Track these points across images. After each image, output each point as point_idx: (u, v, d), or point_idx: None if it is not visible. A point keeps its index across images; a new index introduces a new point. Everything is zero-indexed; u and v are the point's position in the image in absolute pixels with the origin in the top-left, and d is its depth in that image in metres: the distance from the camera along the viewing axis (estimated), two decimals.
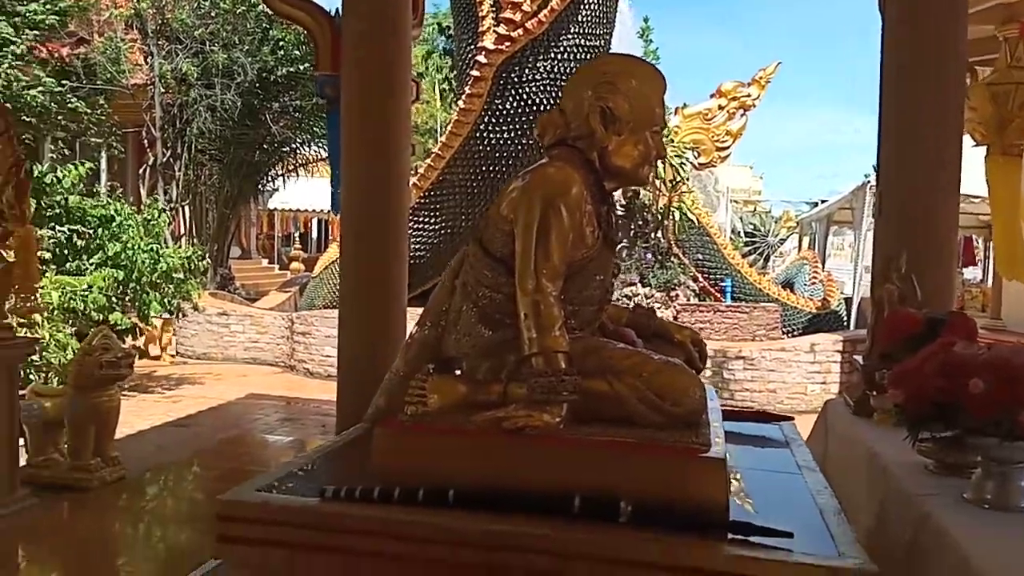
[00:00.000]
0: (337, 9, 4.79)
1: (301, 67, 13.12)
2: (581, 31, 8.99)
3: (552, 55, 8.91)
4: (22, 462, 4.45)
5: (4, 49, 9.89)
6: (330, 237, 22.24)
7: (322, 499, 1.78)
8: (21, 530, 3.97)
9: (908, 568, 1.84)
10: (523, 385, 1.82)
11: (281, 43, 13.38)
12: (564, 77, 8.48)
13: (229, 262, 15.10)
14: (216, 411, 7.16)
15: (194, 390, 8.17)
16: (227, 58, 12.83)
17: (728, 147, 10.86)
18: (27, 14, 10.29)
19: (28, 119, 10.19)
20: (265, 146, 14.36)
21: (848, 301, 11.36)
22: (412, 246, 7.45)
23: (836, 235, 19.32)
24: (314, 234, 25.88)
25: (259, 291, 14.47)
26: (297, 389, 8.23)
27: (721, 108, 10.72)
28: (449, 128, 9.60)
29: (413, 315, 2.19)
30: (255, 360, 9.94)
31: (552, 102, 7.70)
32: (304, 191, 18.30)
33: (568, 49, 8.91)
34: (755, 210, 23.21)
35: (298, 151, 15.26)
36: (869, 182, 10.31)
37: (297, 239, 24.58)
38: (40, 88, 10.32)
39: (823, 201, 17.13)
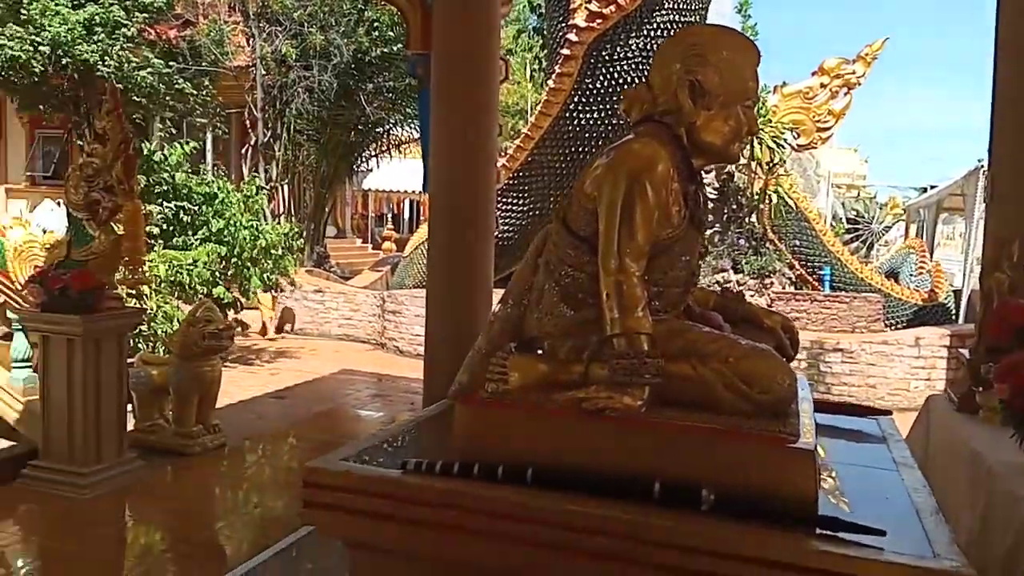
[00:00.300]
0: None
1: (395, 48, 13.33)
2: (675, 6, 8.73)
3: (645, 32, 8.70)
4: (130, 426, 4.72)
5: (116, 32, 10.42)
6: (421, 218, 22.63)
7: (403, 471, 1.80)
8: (128, 490, 4.22)
9: (1009, 573, 1.74)
10: (605, 366, 1.78)
11: (376, 24, 13.62)
12: None
13: (325, 241, 15.56)
14: (311, 385, 7.42)
15: (291, 364, 8.48)
16: (324, 39, 13.16)
17: (830, 128, 10.36)
18: None
19: (138, 99, 10.72)
20: (360, 127, 14.69)
21: (957, 294, 10.77)
22: (500, 227, 7.47)
23: (946, 223, 18.36)
24: (406, 215, 26.37)
25: (353, 270, 14.88)
26: (387, 366, 8.42)
27: (823, 86, 10.22)
28: (539, 108, 9.56)
29: (500, 296, 2.19)
30: (348, 336, 10.22)
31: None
32: (397, 172, 18.65)
33: (661, 26, 8.67)
34: (859, 195, 22.24)
35: (391, 132, 15.54)
36: (982, 166, 9.69)
37: (390, 219, 25.11)
38: (149, 69, 10.83)
39: (933, 187, 16.25)
